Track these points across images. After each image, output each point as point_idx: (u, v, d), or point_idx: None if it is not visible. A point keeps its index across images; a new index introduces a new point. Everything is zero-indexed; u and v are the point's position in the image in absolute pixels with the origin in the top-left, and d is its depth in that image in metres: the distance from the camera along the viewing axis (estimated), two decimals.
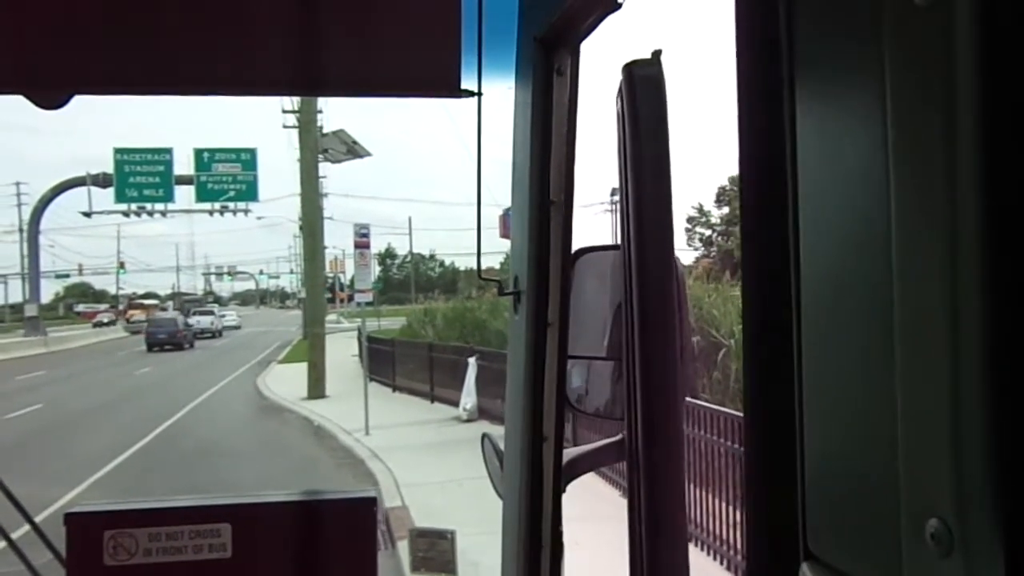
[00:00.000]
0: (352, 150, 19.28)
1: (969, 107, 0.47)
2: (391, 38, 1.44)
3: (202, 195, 41.54)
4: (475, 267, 1.90)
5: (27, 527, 1.94)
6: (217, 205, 42.13)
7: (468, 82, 1.44)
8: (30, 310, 41.31)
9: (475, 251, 1.60)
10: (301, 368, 21.09)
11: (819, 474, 0.64)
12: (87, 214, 41.38)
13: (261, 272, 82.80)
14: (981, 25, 0.46)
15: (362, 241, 15.14)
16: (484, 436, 1.91)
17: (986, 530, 0.47)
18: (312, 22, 1.40)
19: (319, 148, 20.04)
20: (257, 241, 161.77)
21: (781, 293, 0.68)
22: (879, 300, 0.54)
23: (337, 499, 1.89)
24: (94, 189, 40.90)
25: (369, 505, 1.85)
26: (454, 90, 1.45)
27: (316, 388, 19.04)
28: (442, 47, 1.43)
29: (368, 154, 19.37)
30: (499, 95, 1.56)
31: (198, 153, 41.88)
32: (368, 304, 15.95)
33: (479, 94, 1.44)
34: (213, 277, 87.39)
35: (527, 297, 1.47)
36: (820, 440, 0.64)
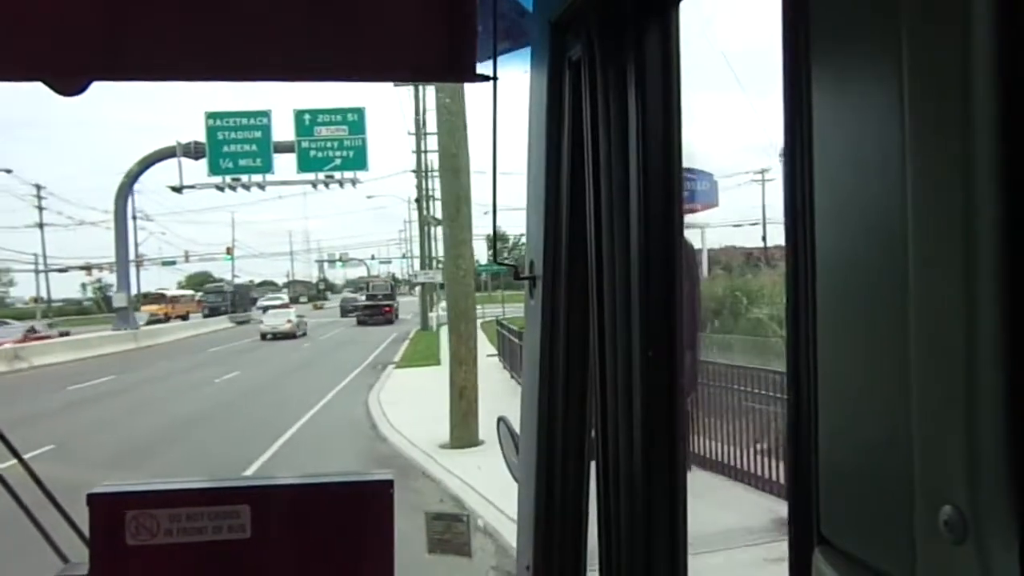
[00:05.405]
0: None
1: (990, 97, 0.46)
2: (406, 22, 1.43)
3: (304, 164, 35.95)
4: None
5: None
6: (321, 176, 36.33)
7: (484, 67, 1.44)
8: (119, 300, 36.12)
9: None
10: (427, 377, 16.53)
11: (834, 461, 0.64)
12: (177, 189, 36.09)
13: (372, 257, 77.71)
14: (998, 11, 0.45)
15: None
16: (499, 419, 1.90)
17: (1000, 518, 0.47)
18: (326, 7, 1.40)
19: None
20: (367, 225, 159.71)
21: (798, 284, 0.70)
22: (895, 290, 0.54)
23: (355, 481, 1.91)
24: (185, 161, 35.82)
25: (387, 487, 1.85)
26: (469, 75, 1.44)
27: (464, 429, 11.62)
28: (456, 31, 1.41)
29: None
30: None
31: (298, 115, 36.21)
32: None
33: (494, 79, 1.44)
34: (326, 264, 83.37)
35: (542, 282, 1.53)
36: (835, 428, 0.64)
